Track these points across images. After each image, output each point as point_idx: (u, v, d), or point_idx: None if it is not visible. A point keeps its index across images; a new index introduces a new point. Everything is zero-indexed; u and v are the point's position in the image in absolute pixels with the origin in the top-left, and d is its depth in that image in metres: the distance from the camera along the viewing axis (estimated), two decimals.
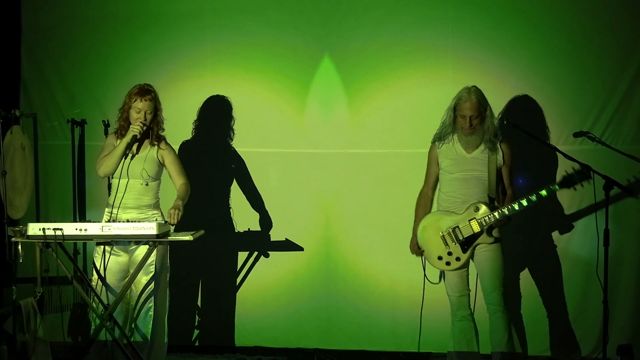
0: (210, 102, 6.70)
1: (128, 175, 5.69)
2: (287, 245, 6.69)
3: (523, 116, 6.27)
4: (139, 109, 5.69)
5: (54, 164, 6.86)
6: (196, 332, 6.84)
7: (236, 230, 6.71)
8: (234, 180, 6.75)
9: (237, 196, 6.73)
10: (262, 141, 6.73)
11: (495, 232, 5.66)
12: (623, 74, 6.32)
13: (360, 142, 6.65)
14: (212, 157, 6.74)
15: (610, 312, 5.79)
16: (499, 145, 5.70)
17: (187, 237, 5.47)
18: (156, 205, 5.81)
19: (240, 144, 6.72)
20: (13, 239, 5.56)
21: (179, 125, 6.57)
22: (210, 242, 6.35)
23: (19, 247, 5.60)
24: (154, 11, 6.78)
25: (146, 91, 5.72)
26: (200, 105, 6.69)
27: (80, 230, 5.42)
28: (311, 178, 6.71)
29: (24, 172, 6.40)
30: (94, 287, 5.73)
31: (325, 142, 6.68)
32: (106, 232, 5.42)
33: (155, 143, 5.78)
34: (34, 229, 5.41)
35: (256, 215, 6.71)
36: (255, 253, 6.76)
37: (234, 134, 6.71)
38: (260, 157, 6.73)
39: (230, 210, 6.72)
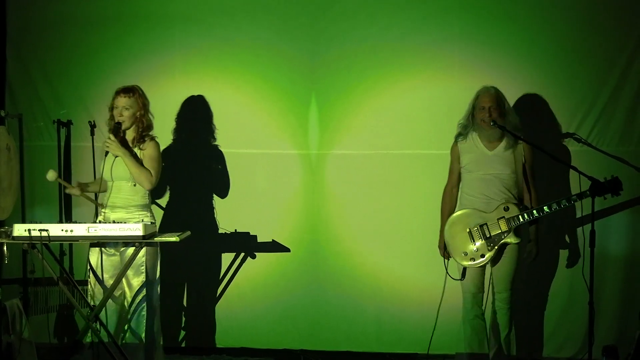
0: (189, 102, 6.70)
1: (112, 177, 5.70)
2: (274, 246, 6.68)
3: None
4: (116, 106, 5.75)
5: (39, 165, 6.82)
6: (182, 333, 6.82)
7: (222, 232, 6.70)
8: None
9: (228, 198, 6.73)
10: (249, 142, 6.71)
11: (532, 234, 5.83)
12: (609, 75, 6.33)
13: (347, 143, 6.64)
14: (195, 157, 6.74)
15: (595, 313, 5.82)
16: (520, 144, 5.81)
17: (173, 238, 5.47)
18: (146, 206, 5.79)
19: (227, 144, 6.70)
20: None
21: (165, 124, 6.58)
22: (196, 243, 6.33)
23: (5, 248, 5.58)
24: (142, 12, 6.76)
25: (127, 90, 5.75)
26: (180, 106, 6.69)
27: (66, 231, 5.41)
28: (298, 179, 6.70)
29: (10, 173, 6.37)
30: (89, 287, 5.74)
31: (312, 143, 6.68)
32: (92, 233, 5.40)
33: (137, 144, 5.78)
34: (19, 229, 5.39)
35: (243, 216, 6.69)
36: (242, 254, 6.75)
37: (215, 132, 6.70)
38: (247, 158, 6.71)
39: (214, 210, 6.71)
